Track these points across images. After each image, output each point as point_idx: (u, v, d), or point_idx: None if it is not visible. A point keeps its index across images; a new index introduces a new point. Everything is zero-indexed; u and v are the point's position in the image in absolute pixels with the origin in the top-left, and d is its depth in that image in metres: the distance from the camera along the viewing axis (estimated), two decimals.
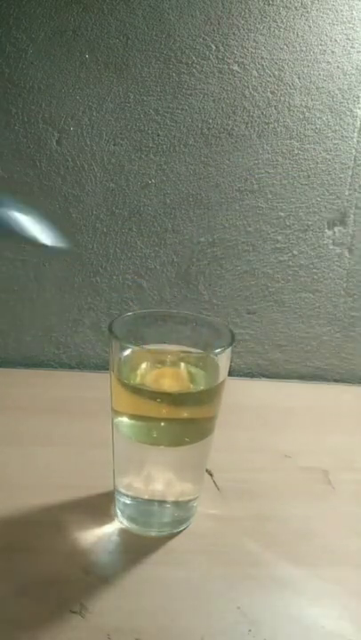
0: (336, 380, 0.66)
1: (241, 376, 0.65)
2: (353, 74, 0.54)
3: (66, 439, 0.49)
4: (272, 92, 0.55)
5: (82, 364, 0.64)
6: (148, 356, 0.37)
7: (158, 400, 0.35)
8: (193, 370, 0.37)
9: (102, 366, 0.64)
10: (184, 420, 0.36)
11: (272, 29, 0.53)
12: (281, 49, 0.53)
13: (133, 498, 0.38)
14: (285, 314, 0.63)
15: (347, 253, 0.60)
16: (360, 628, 0.32)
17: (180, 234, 0.59)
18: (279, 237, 0.60)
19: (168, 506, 0.39)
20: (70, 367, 0.64)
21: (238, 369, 0.65)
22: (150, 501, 0.38)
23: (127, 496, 0.38)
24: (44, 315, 0.62)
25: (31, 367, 0.63)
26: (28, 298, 0.61)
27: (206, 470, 0.44)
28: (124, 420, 0.37)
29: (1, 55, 0.53)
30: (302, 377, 0.66)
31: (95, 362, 0.64)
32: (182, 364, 0.37)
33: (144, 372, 0.37)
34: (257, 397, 0.60)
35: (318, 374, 0.66)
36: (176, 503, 0.39)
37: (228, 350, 0.35)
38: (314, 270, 0.61)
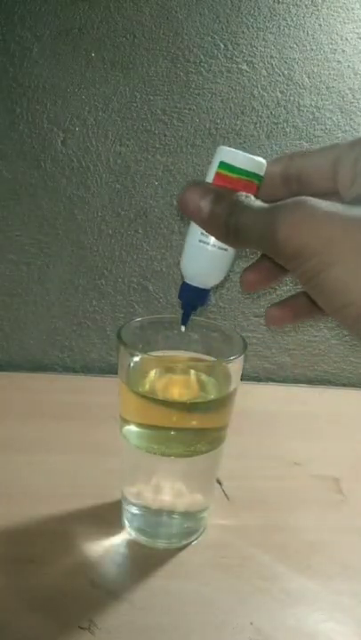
0: (345, 385, 0.65)
1: (248, 380, 0.64)
2: None
3: (70, 446, 0.48)
4: (281, 92, 0.54)
5: (86, 368, 0.63)
6: (157, 364, 0.36)
7: (168, 408, 0.34)
8: (203, 378, 0.36)
9: (107, 370, 0.63)
10: (194, 430, 0.35)
11: (282, 28, 0.52)
12: (291, 48, 0.52)
13: (142, 508, 0.37)
14: None
15: None
16: None
17: None
18: None
19: (177, 517, 0.38)
20: (75, 371, 0.63)
21: (245, 373, 0.64)
22: (159, 512, 0.37)
23: (135, 506, 0.38)
24: (47, 318, 0.61)
25: (35, 371, 0.62)
26: (32, 300, 0.60)
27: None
28: (133, 428, 0.36)
29: (5, 54, 0.52)
30: (310, 381, 0.65)
31: (100, 366, 0.63)
32: (192, 372, 0.37)
33: (153, 380, 0.36)
34: (264, 402, 0.59)
35: (327, 378, 0.65)
36: (185, 514, 0.38)
37: (241, 358, 0.34)
38: None
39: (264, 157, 0.27)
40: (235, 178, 0.26)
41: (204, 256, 0.28)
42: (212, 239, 0.27)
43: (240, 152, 0.26)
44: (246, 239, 0.24)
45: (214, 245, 0.27)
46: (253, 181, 0.26)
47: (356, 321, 0.21)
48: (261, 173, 0.27)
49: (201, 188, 0.26)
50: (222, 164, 0.26)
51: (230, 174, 0.26)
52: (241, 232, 0.24)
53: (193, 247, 0.28)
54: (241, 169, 0.26)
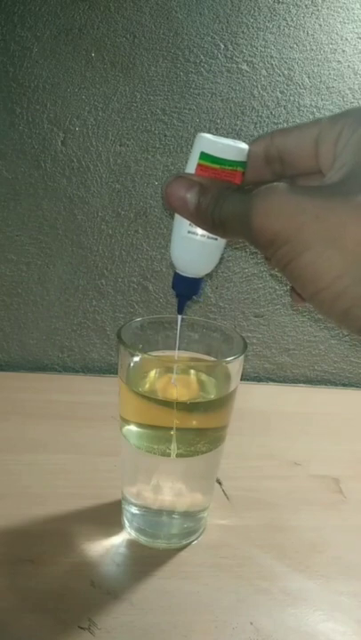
0: (345, 385, 0.65)
1: (248, 380, 0.64)
2: None
3: (71, 445, 0.48)
4: (281, 92, 0.54)
5: (86, 368, 0.63)
6: (157, 364, 0.36)
7: (168, 408, 0.34)
8: (203, 378, 0.36)
9: (107, 370, 0.63)
10: (194, 430, 0.35)
11: (282, 28, 0.52)
12: (291, 48, 0.52)
13: (142, 508, 0.37)
14: (293, 317, 0.62)
15: None
16: None
17: None
18: None
19: (177, 517, 0.38)
20: (75, 371, 0.63)
21: (245, 373, 0.64)
22: (159, 512, 0.37)
23: (135, 506, 0.38)
24: (48, 318, 0.61)
25: (35, 371, 0.62)
26: (32, 301, 0.60)
27: None
28: (133, 428, 0.36)
29: (5, 54, 0.52)
30: (310, 381, 0.65)
31: (100, 365, 0.63)
32: (192, 372, 0.37)
33: (153, 380, 0.36)
34: (264, 402, 0.59)
35: (326, 378, 0.65)
36: (185, 514, 0.38)
37: (241, 358, 0.34)
38: None
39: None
40: (217, 168, 0.25)
41: (194, 247, 0.27)
42: (201, 229, 0.26)
43: (220, 140, 0.25)
44: (231, 230, 0.24)
45: (203, 235, 0.27)
46: (237, 169, 0.25)
47: (331, 306, 0.21)
48: (245, 159, 0.26)
49: (186, 181, 0.25)
50: (203, 155, 0.25)
51: (212, 165, 0.25)
52: (225, 223, 0.24)
53: (182, 238, 0.27)
54: (223, 159, 0.25)
